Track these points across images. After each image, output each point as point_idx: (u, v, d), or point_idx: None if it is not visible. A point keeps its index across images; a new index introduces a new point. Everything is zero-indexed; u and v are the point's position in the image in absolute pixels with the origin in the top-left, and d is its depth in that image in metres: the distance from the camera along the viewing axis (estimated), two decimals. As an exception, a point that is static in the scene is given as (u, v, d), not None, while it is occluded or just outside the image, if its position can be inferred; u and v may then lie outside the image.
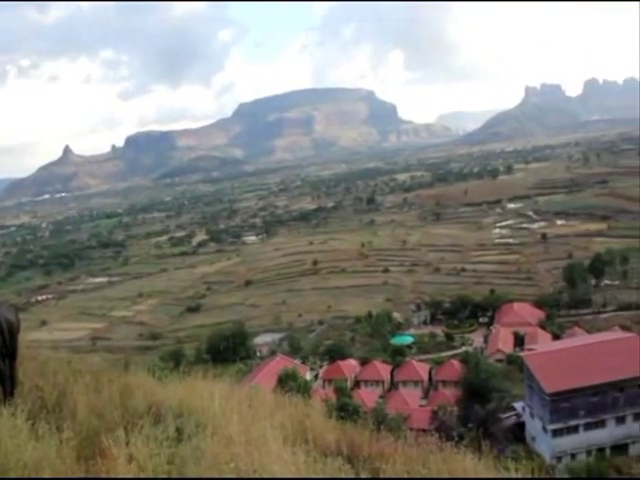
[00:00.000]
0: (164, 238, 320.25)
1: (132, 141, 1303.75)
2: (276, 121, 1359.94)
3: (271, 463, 5.80)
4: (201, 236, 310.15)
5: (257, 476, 5.33)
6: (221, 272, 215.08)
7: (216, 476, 5.62)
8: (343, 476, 6.18)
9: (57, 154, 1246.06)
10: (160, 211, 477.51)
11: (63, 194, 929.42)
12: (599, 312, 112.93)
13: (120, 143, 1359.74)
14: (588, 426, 56.23)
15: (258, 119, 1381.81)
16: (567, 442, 56.00)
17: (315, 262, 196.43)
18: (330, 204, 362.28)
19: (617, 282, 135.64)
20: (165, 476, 5.68)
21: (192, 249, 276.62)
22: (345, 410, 49.95)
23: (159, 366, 59.27)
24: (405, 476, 6.77)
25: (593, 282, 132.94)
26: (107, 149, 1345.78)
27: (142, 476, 5.45)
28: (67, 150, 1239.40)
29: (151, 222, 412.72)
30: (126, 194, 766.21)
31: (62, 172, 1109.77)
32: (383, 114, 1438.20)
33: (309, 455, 6.69)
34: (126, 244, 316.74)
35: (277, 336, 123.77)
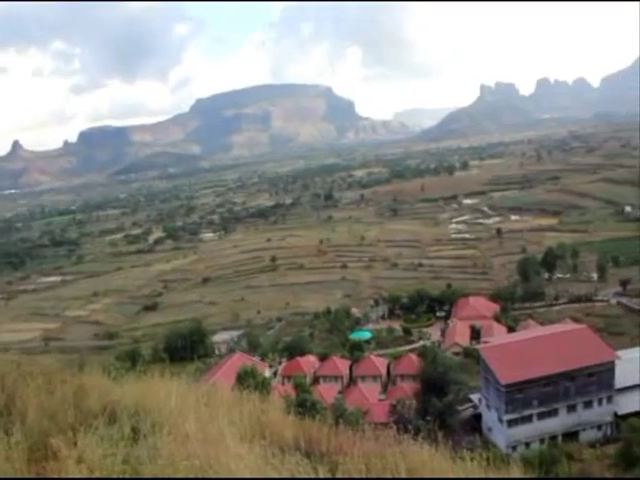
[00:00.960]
0: (119, 236, 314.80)
1: (85, 136, 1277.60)
2: (234, 117, 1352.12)
3: (227, 460, 5.74)
4: (157, 233, 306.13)
5: (213, 473, 5.26)
6: (178, 270, 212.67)
7: (171, 475, 5.54)
8: (301, 470, 6.15)
9: (5, 149, 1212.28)
10: (115, 208, 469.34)
11: (12, 190, 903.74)
12: (551, 305, 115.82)
13: (73, 138, 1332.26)
14: (541, 415, 57.81)
15: (215, 115, 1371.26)
16: (522, 431, 57.45)
17: (273, 259, 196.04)
18: (288, 200, 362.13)
19: (568, 275, 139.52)
20: (120, 476, 5.56)
21: (148, 247, 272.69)
22: (304, 406, 50.08)
23: (115, 366, 58.33)
24: (363, 469, 6.78)
25: (546, 275, 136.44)
26: (59, 144, 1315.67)
27: (96, 476, 5.32)
28: (16, 145, 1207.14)
29: (106, 219, 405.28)
30: (79, 191, 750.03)
31: (11, 168, 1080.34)
32: (341, 110, 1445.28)
33: (266, 451, 6.66)
34: (80, 242, 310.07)
35: (235, 333, 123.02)
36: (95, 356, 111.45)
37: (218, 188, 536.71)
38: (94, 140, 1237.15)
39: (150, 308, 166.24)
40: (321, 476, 6.09)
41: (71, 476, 5.34)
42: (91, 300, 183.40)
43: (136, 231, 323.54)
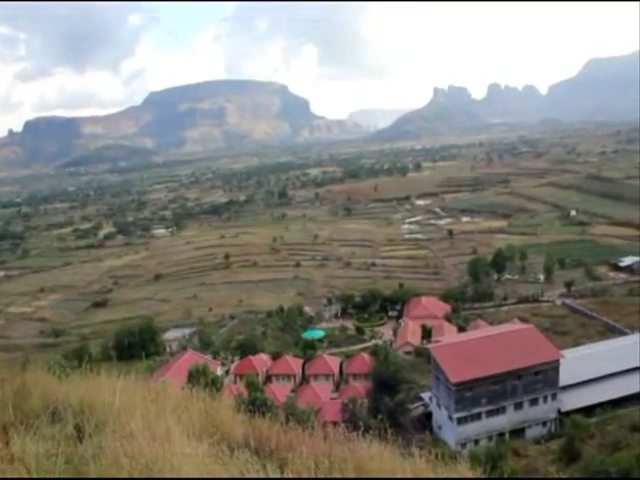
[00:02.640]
0: (68, 230, 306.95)
1: (32, 126, 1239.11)
2: (188, 111, 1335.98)
3: (173, 458, 5.65)
4: (108, 228, 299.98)
5: (158, 471, 5.17)
6: (129, 266, 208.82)
7: (115, 474, 5.41)
8: (250, 468, 6.10)
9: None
10: (63, 201, 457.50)
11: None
12: (500, 305, 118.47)
13: (18, 128, 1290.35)
14: (490, 413, 59.10)
15: (169, 109, 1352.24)
16: (471, 429, 58.60)
17: (227, 256, 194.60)
18: (242, 197, 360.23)
19: (516, 276, 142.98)
20: (62, 476, 5.41)
21: (98, 242, 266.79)
22: (255, 404, 49.88)
23: (60, 364, 56.88)
24: (311, 466, 6.79)
25: (495, 276, 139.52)
26: (3, 133, 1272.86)
27: (35, 477, 5.16)
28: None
29: (53, 213, 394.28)
30: (25, 182, 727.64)
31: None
32: (296, 109, 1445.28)
33: (215, 449, 6.59)
34: (25, 236, 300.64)
35: (187, 331, 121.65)
36: (40, 354, 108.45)
37: (171, 183, 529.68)
38: (41, 130, 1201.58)
39: (99, 305, 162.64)
40: (270, 474, 6.05)
41: (8, 476, 5.16)
42: (37, 296, 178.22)
43: (85, 225, 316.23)
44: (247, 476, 5.96)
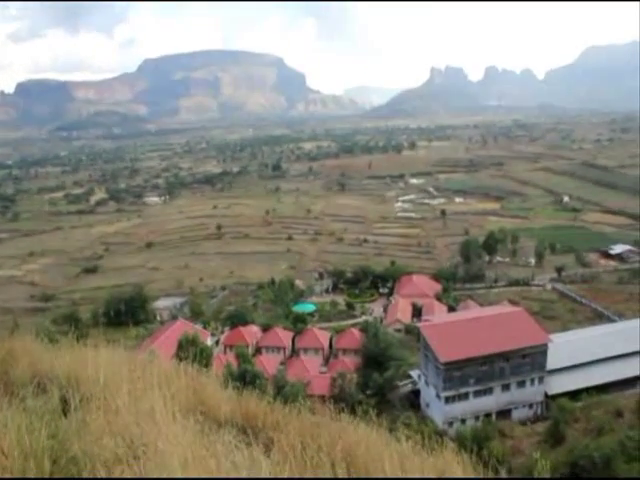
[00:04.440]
0: (59, 194, 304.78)
1: (24, 88, 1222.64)
2: (182, 80, 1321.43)
3: (159, 436, 5.54)
4: (100, 194, 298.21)
5: (141, 451, 5.07)
6: (121, 233, 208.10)
7: (98, 452, 5.30)
8: (235, 447, 6.00)
9: None
10: (55, 166, 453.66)
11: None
12: (491, 287, 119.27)
13: (10, 89, 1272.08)
14: (477, 393, 59.82)
15: (163, 77, 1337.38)
16: (458, 408, 59.31)
17: (219, 227, 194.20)
18: (235, 169, 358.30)
19: (507, 259, 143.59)
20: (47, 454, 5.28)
21: (90, 208, 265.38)
22: (245, 378, 50.18)
23: (49, 330, 56.81)
24: (298, 447, 6.71)
25: (486, 258, 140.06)
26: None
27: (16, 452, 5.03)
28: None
29: (45, 177, 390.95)
30: (17, 145, 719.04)
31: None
32: (291, 82, 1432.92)
33: (202, 426, 6.51)
34: (16, 199, 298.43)
35: (178, 300, 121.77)
36: (30, 318, 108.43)
37: (164, 152, 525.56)
38: (33, 93, 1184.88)
39: (90, 271, 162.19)
40: (255, 455, 5.96)
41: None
42: (27, 260, 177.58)
43: (77, 191, 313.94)
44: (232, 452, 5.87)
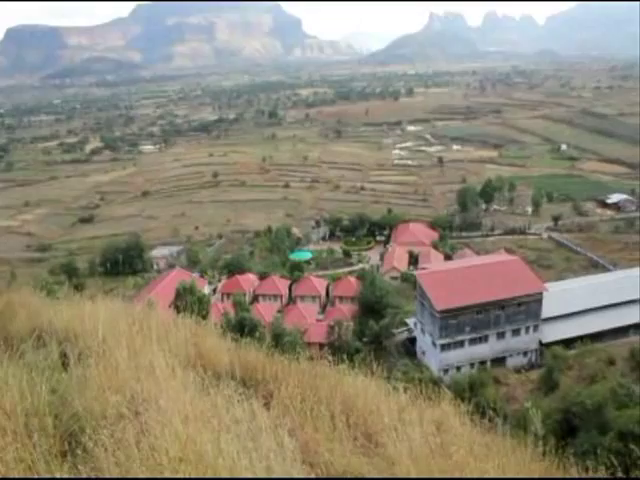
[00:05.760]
0: (53, 143, 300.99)
1: (14, 34, 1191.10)
2: (176, 26, 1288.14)
3: (160, 392, 5.57)
4: (95, 143, 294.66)
5: (143, 408, 5.10)
6: (116, 182, 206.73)
7: (99, 408, 5.33)
8: (235, 401, 6.04)
9: None
10: (49, 114, 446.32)
11: None
12: (487, 235, 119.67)
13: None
14: (473, 341, 60.72)
15: (157, 22, 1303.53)
16: (454, 356, 60.27)
17: (215, 174, 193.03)
18: (231, 116, 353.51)
19: (504, 208, 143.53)
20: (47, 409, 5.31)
21: (85, 156, 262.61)
22: (242, 326, 50.70)
23: (47, 281, 57.07)
24: (297, 399, 6.77)
25: (483, 207, 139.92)
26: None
27: (19, 409, 5.06)
28: None
29: (38, 126, 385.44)
30: (8, 93, 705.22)
31: None
32: (288, 27, 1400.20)
33: (202, 380, 6.54)
34: (9, 148, 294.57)
35: (175, 249, 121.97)
36: (27, 268, 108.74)
37: (159, 99, 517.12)
38: (24, 39, 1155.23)
39: (86, 220, 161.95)
40: (255, 407, 6.01)
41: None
42: (22, 210, 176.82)
43: (72, 139, 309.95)
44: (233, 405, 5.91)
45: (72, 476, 4.35)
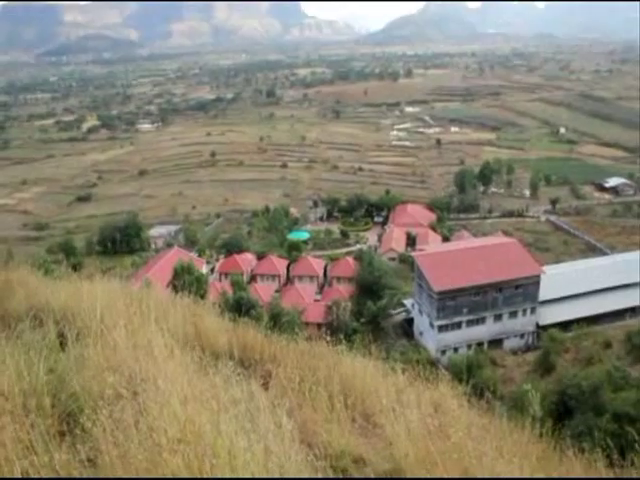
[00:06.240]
0: (50, 121, 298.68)
1: (8, 11, 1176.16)
2: (173, 4, 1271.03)
3: (158, 372, 5.55)
4: (92, 121, 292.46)
5: (141, 389, 5.08)
6: (114, 160, 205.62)
7: (97, 388, 5.32)
8: (234, 381, 6.04)
9: None
10: (45, 92, 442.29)
11: None
12: (485, 217, 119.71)
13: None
14: (470, 322, 61.00)
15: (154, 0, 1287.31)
16: (451, 337, 60.57)
17: (213, 154, 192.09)
18: (229, 95, 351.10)
19: (502, 190, 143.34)
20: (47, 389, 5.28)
21: (82, 135, 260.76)
22: (240, 306, 50.77)
23: (45, 260, 56.96)
24: (296, 380, 6.78)
25: (481, 189, 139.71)
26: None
27: (17, 389, 5.04)
28: None
29: (34, 103, 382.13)
30: (3, 70, 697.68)
31: None
32: (287, 6, 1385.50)
33: (200, 360, 6.54)
34: (5, 126, 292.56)
35: (172, 228, 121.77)
36: (24, 247, 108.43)
37: (156, 77, 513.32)
38: (19, 15, 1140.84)
39: (84, 199, 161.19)
40: (254, 387, 6.01)
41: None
42: (19, 188, 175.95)
43: (68, 118, 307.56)
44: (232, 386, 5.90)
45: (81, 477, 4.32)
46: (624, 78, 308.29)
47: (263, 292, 74.98)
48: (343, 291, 76.23)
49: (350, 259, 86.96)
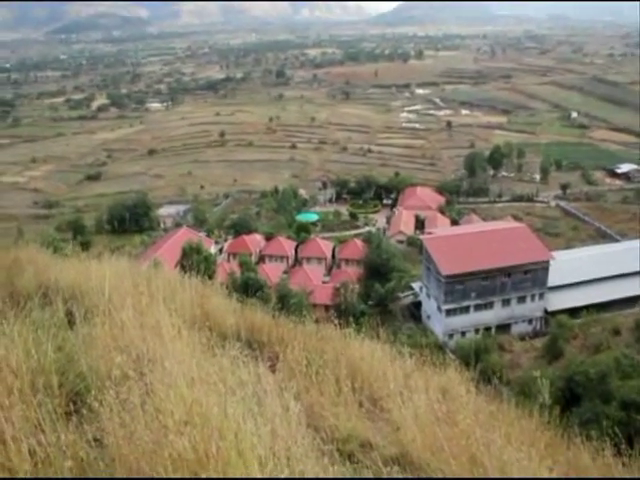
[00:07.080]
0: (60, 100, 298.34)
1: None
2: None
3: (165, 352, 5.55)
4: (101, 100, 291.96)
5: (148, 369, 5.07)
6: (123, 139, 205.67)
7: (104, 367, 5.31)
8: (242, 362, 6.01)
9: None
10: (55, 70, 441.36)
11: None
12: (495, 201, 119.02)
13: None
14: (478, 307, 60.94)
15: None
16: (458, 321, 60.57)
17: (222, 134, 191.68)
18: (239, 75, 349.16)
19: (512, 174, 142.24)
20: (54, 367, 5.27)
21: (91, 113, 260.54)
22: (248, 286, 50.88)
23: (54, 238, 57.18)
24: (303, 362, 6.76)
25: (491, 172, 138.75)
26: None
27: (25, 367, 5.04)
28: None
29: (45, 81, 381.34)
30: (14, 47, 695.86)
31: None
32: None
33: (208, 341, 6.53)
34: (16, 104, 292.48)
35: (181, 208, 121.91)
36: (34, 225, 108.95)
37: (166, 56, 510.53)
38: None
39: (93, 178, 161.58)
40: (261, 369, 5.99)
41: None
42: (29, 166, 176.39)
43: (78, 96, 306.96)
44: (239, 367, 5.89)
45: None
46: (638, 62, 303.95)
47: (271, 273, 75.15)
48: (351, 273, 76.25)
49: (358, 241, 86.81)
